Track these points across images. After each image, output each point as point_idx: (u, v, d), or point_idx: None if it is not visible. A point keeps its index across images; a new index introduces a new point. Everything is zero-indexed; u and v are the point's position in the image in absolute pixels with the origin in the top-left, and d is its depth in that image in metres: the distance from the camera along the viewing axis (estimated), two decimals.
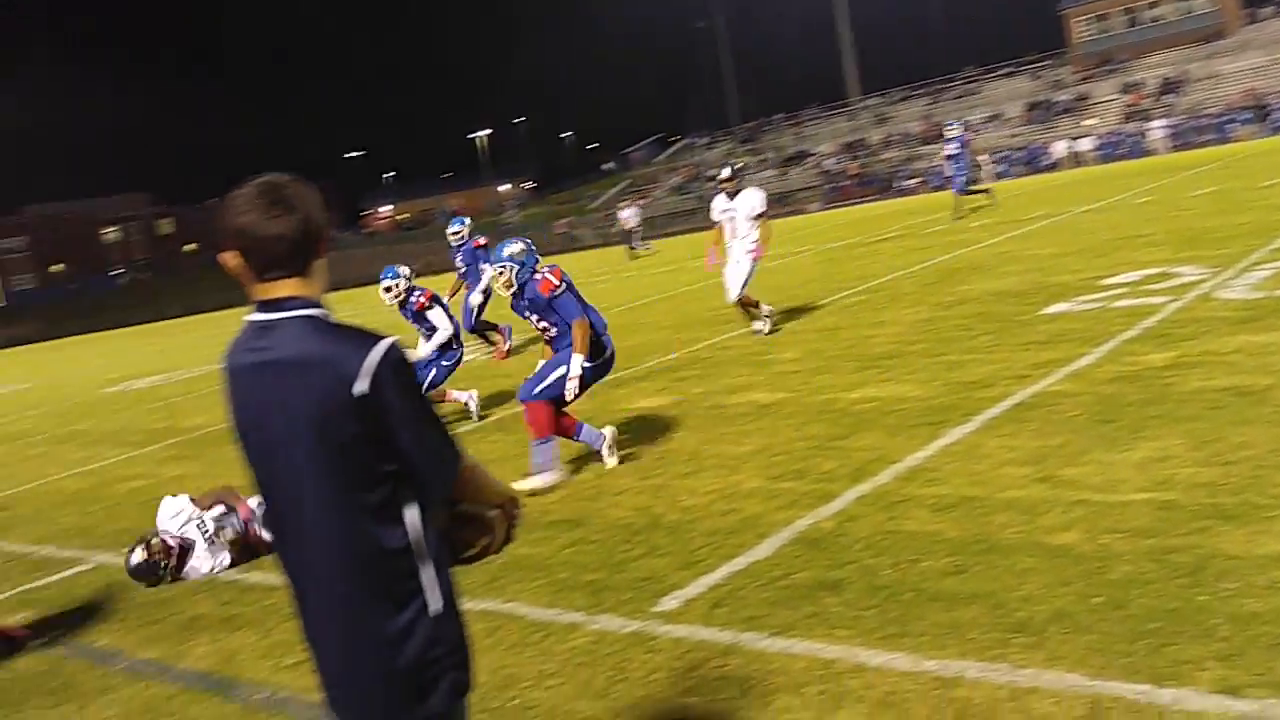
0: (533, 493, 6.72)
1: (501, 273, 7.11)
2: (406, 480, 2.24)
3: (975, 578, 4.35)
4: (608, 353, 7.22)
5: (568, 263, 43.03)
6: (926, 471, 5.86)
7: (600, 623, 4.58)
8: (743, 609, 4.45)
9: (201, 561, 6.70)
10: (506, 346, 14.48)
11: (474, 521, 2.44)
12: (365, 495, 2.19)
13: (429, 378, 9.61)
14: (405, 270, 10.19)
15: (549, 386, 6.96)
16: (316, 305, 2.27)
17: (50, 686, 5.11)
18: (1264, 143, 40.14)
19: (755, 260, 11.80)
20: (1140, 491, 4.97)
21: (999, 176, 47.51)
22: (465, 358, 10.52)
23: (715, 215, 12.26)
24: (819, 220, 40.95)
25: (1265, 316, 8.11)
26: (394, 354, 2.19)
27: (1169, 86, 55.24)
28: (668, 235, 57.18)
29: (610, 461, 7.19)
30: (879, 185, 55.77)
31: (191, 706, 4.54)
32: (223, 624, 5.50)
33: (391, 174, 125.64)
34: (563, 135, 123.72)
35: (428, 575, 2.27)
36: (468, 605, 4.92)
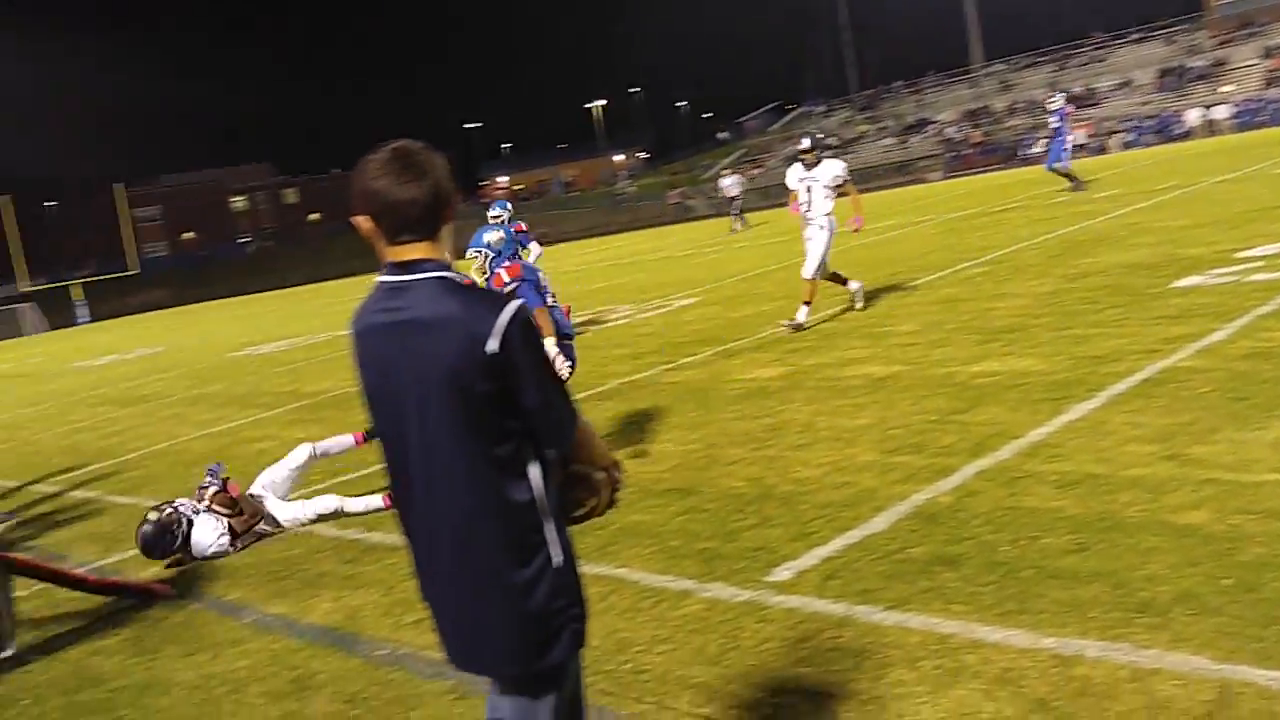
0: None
1: (475, 258, 6.98)
2: (529, 438, 2.33)
3: (1097, 556, 4.25)
4: (564, 365, 6.89)
5: (680, 233, 43.04)
6: (1049, 447, 5.73)
7: (712, 591, 4.60)
8: (857, 582, 4.42)
9: (204, 533, 6.97)
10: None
11: (584, 481, 2.52)
12: (494, 450, 2.28)
13: None
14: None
15: None
16: (447, 267, 2.35)
17: (185, 637, 5.35)
18: None
19: (831, 237, 11.29)
20: (1275, 472, 4.79)
21: (1127, 146, 45.90)
22: None
23: (791, 183, 11.69)
24: (940, 189, 40.11)
25: None
26: (522, 315, 2.27)
27: None
28: (780, 205, 56.77)
29: None
30: (1002, 154, 54.29)
31: (315, 660, 4.71)
32: (346, 582, 5.68)
33: (509, 145, 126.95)
34: (678, 104, 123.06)
35: (550, 529, 2.36)
36: (582, 570, 4.99)
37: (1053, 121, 22.87)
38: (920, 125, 67.54)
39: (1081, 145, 49.67)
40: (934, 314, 10.66)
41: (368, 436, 7.86)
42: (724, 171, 43.94)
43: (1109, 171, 22.88)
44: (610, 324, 15.10)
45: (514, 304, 2.28)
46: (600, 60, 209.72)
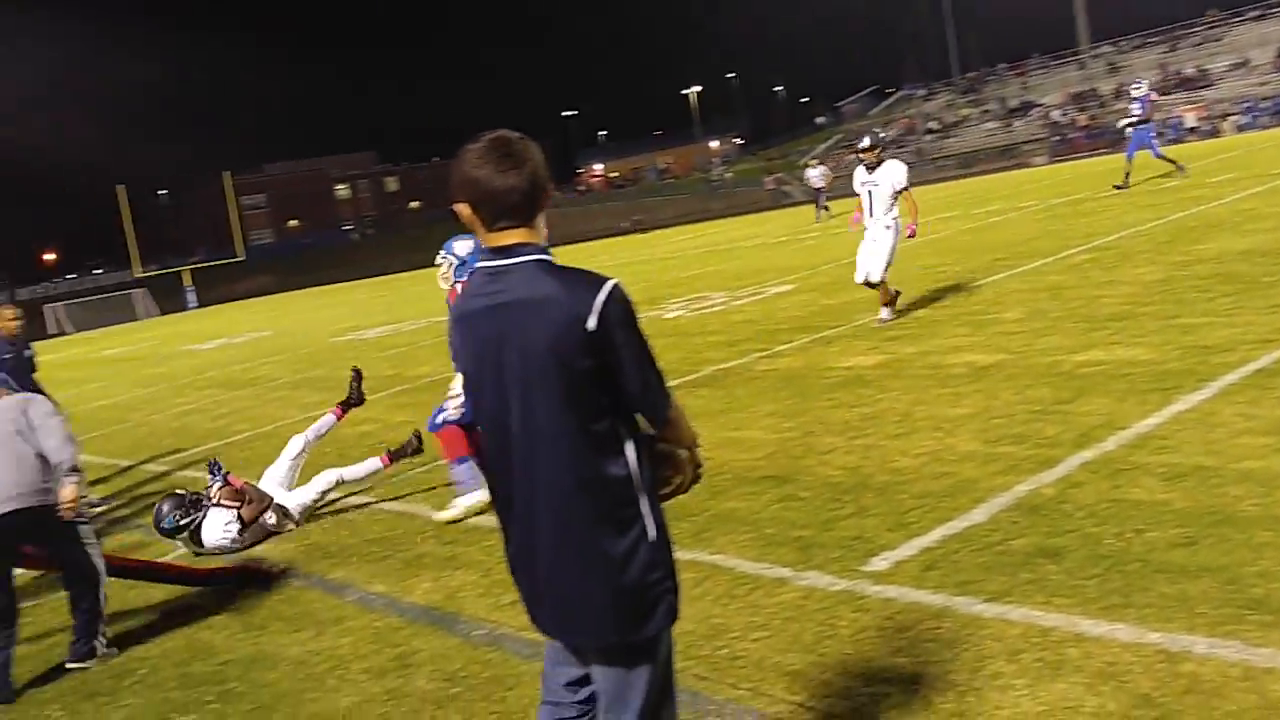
0: (463, 517, 6.46)
1: (441, 264, 6.86)
2: (625, 415, 2.41)
3: (1206, 550, 4.13)
4: None
5: (776, 219, 42.71)
6: (1156, 439, 5.58)
7: (808, 579, 4.58)
8: (956, 573, 4.36)
9: (212, 526, 7.19)
10: None
11: (670, 459, 2.57)
12: (593, 426, 2.36)
13: None
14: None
15: (453, 412, 6.64)
16: (545, 250, 2.44)
17: (289, 614, 5.51)
18: None
19: (897, 237, 10.78)
20: None
21: (1241, 129, 44.28)
22: None
23: (855, 187, 11.12)
24: (1044, 174, 39.18)
25: None
26: (618, 293, 2.35)
27: None
28: None
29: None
30: (1109, 138, 52.71)
31: (416, 639, 4.81)
32: (445, 563, 5.78)
33: (604, 133, 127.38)
34: (775, 89, 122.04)
35: (645, 504, 2.44)
36: (677, 555, 5.01)
37: (1134, 109, 22.10)
38: (1024, 109, 66.02)
39: (1192, 128, 48.27)
40: (1039, 301, 10.43)
41: (344, 408, 8.06)
42: (810, 162, 43.49)
43: (1222, 155, 22.06)
44: (705, 311, 15.08)
45: (611, 282, 2.34)
46: (697, 46, 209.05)
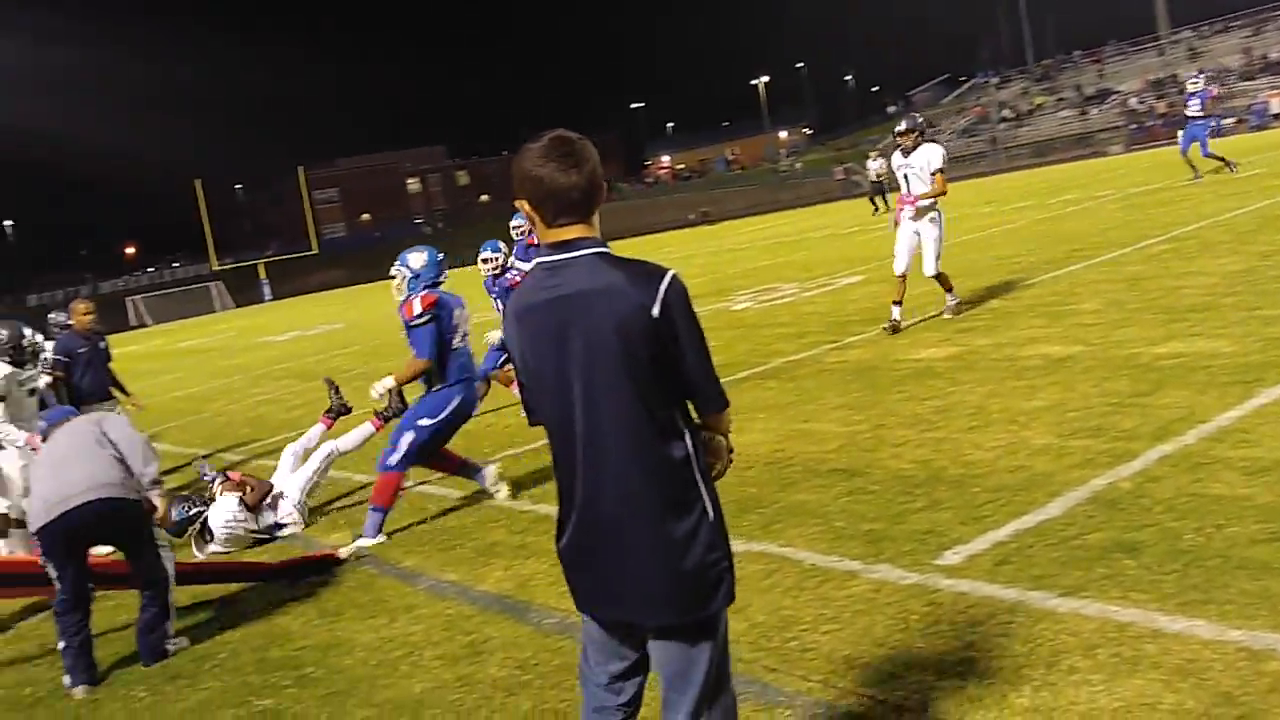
0: (354, 555, 6.36)
1: (394, 276, 6.85)
2: (681, 401, 2.51)
3: None
4: (452, 406, 6.71)
5: (846, 210, 42.34)
6: (1238, 432, 5.45)
7: (879, 572, 4.55)
8: (1030, 567, 4.31)
9: (219, 513, 7.36)
10: None
11: (711, 445, 2.63)
12: (656, 411, 2.45)
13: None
14: (504, 247, 10.35)
15: (408, 451, 6.63)
16: (603, 243, 2.53)
17: (363, 601, 5.60)
18: None
19: (941, 228, 10.54)
20: None
21: None
22: None
23: (896, 173, 10.99)
24: (1122, 163, 38.39)
25: None
26: (678, 283, 2.45)
27: None
28: (952, 180, 55.21)
29: (500, 493, 6.94)
30: None
31: (487, 627, 4.86)
32: (516, 551, 5.83)
33: (672, 124, 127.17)
34: (844, 78, 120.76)
35: (703, 486, 2.52)
36: (746, 547, 5.01)
37: (1193, 104, 21.49)
38: (1101, 96, 64.68)
39: (1277, 114, 46.88)
40: (1116, 292, 10.23)
41: (331, 417, 8.19)
42: (872, 153, 42.95)
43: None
44: (774, 302, 15.03)
45: (671, 272, 2.44)
46: (765, 36, 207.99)
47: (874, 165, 36.84)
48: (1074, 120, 62.36)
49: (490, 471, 7.06)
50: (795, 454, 6.63)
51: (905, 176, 10.67)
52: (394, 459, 6.61)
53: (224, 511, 7.05)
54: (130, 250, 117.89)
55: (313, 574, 6.15)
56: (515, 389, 9.58)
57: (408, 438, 6.64)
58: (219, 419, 14.14)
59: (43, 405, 7.96)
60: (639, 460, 2.45)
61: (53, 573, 5.13)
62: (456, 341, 6.72)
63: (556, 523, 2.63)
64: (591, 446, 2.48)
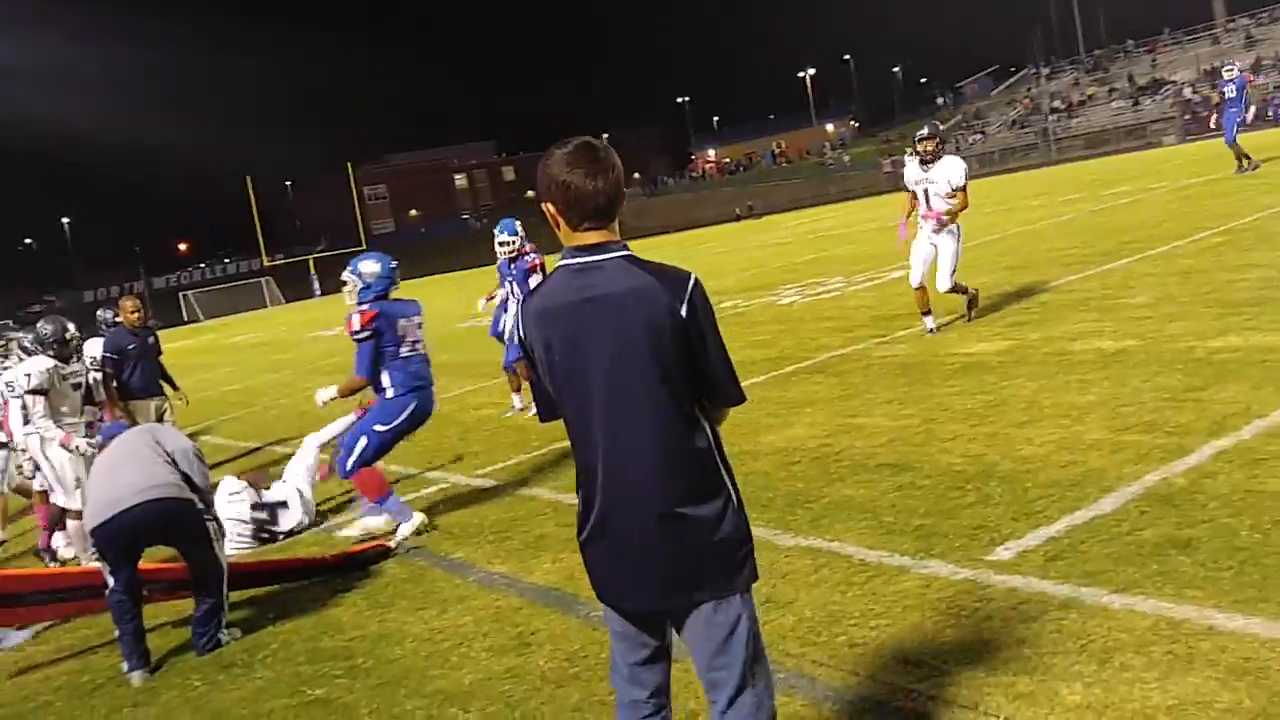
0: (403, 546, 6.46)
1: (346, 283, 6.81)
2: (700, 396, 2.61)
3: None
4: (406, 413, 6.68)
5: (894, 202, 41.98)
6: None
7: (930, 568, 4.52)
8: (1083, 563, 4.26)
9: (221, 492, 7.41)
10: None
11: None
12: (682, 405, 2.57)
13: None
14: (521, 229, 10.26)
15: (361, 453, 6.61)
16: (626, 247, 2.63)
17: (414, 592, 5.65)
18: None
19: (959, 241, 10.13)
20: None
21: None
22: None
23: (909, 184, 10.38)
24: (1175, 154, 37.78)
25: None
26: (700, 285, 2.58)
27: None
28: (1001, 172, 54.73)
29: (403, 531, 6.66)
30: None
31: (536, 619, 4.89)
32: (565, 544, 5.85)
33: (718, 118, 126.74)
34: (892, 70, 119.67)
35: (725, 473, 2.65)
36: (793, 541, 4.99)
37: (1227, 93, 21.05)
38: (1154, 86, 63.67)
39: None
40: (1170, 286, 10.08)
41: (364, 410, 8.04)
42: (909, 150, 42.49)
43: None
44: (820, 296, 14.95)
45: (693, 275, 2.57)
46: (811, 28, 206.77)
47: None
48: (1126, 111, 61.47)
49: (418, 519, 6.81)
50: (843, 448, 6.60)
51: (926, 192, 10.12)
52: (350, 463, 6.65)
53: (225, 492, 7.17)
54: (183, 247, 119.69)
55: (366, 566, 6.21)
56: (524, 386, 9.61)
57: (361, 442, 6.66)
58: (270, 412, 14.31)
59: (89, 400, 8.09)
60: (667, 451, 2.55)
61: (106, 569, 5.27)
62: (405, 350, 6.69)
63: (578, 516, 2.70)
64: (618, 439, 2.57)
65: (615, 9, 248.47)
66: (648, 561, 2.60)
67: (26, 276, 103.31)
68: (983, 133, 70.90)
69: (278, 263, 76.15)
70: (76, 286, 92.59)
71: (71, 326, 7.71)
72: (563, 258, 2.65)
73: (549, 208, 2.63)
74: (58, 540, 8.15)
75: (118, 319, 10.23)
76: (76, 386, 7.70)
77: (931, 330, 10.08)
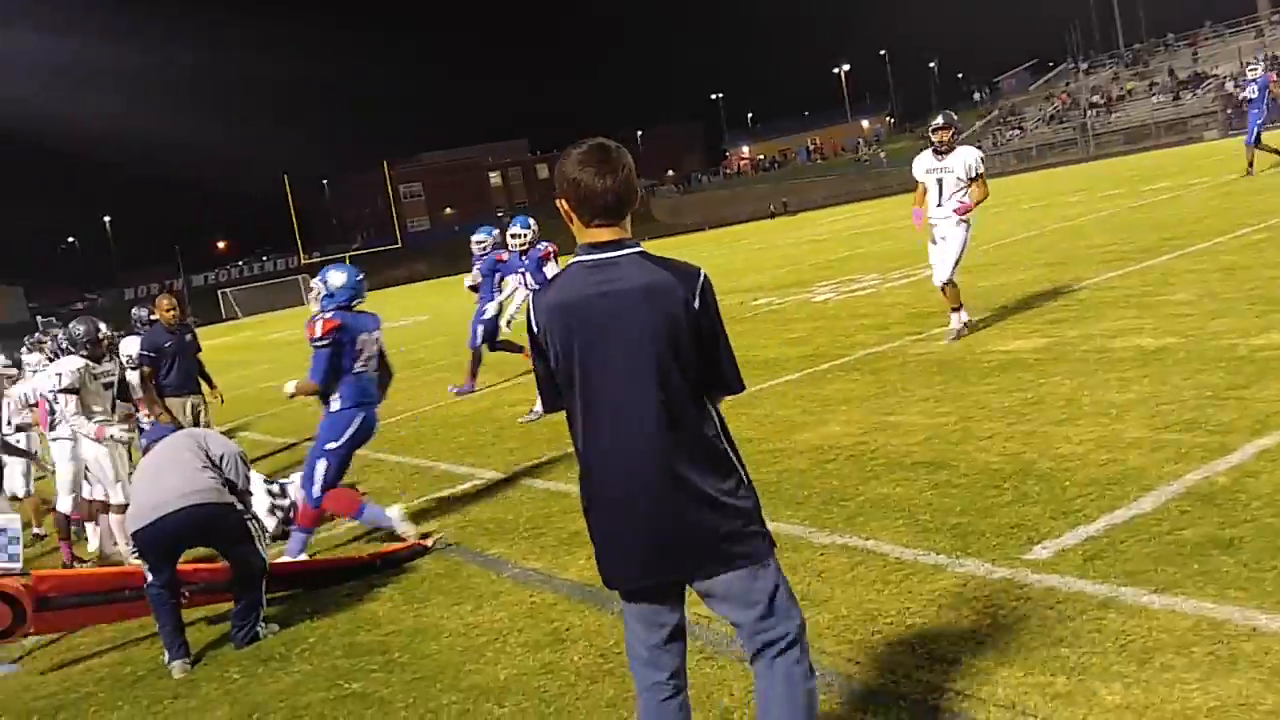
0: (422, 542, 6.53)
1: (312, 289, 6.84)
2: (707, 383, 2.76)
3: None
4: (353, 428, 6.69)
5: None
6: None
7: (966, 566, 4.49)
8: (1122, 563, 4.21)
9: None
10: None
11: None
12: (694, 392, 2.72)
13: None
14: (534, 224, 10.30)
15: (325, 477, 6.63)
16: (639, 244, 2.76)
17: (449, 588, 5.68)
18: None
19: (968, 234, 9.83)
20: None
21: None
22: None
23: (918, 174, 10.03)
24: (1217, 149, 37.27)
25: None
26: (709, 280, 2.74)
27: None
28: (1039, 168, 54.25)
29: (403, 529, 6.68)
30: None
31: (570, 615, 4.90)
32: None
33: (752, 114, 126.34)
34: (929, 65, 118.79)
35: (734, 455, 2.80)
36: (829, 540, 4.98)
37: (1248, 93, 20.69)
38: (1195, 80, 62.83)
39: None
40: (1212, 282, 9.95)
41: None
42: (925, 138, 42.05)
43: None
44: (855, 293, 14.88)
45: (702, 270, 2.73)
46: (846, 23, 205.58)
47: None
48: (1167, 105, 60.71)
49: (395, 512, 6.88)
50: (879, 446, 6.57)
51: (940, 181, 9.75)
52: (316, 490, 6.67)
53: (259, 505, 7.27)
54: (222, 245, 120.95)
55: (403, 564, 6.25)
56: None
57: (320, 466, 6.69)
58: (308, 408, 14.37)
59: (124, 396, 8.17)
60: (681, 434, 2.69)
61: (146, 568, 5.39)
62: (358, 366, 6.71)
63: (584, 498, 2.89)
64: (633, 428, 2.69)
65: (649, 7, 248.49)
66: (665, 539, 2.72)
67: (69, 275, 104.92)
68: (1020, 128, 70.22)
69: (315, 260, 76.69)
70: (118, 285, 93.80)
71: (104, 326, 7.80)
72: (576, 254, 2.76)
73: (562, 204, 2.75)
74: (90, 535, 8.28)
75: (153, 317, 10.34)
76: (108, 385, 7.79)
77: (959, 329, 9.75)
